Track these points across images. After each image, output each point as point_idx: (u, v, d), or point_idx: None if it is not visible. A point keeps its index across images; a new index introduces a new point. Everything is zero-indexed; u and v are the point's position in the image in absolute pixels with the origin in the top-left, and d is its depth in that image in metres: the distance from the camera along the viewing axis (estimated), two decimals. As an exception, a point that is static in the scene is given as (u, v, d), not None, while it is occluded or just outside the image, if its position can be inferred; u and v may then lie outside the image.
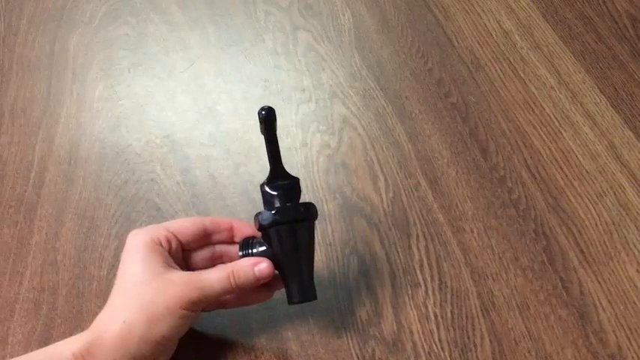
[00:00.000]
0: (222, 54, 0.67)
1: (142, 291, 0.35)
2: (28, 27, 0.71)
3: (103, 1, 0.73)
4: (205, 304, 0.37)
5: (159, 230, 0.39)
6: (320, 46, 0.67)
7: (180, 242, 0.40)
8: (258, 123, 0.40)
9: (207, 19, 0.70)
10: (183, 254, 0.41)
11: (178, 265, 0.39)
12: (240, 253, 0.40)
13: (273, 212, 0.39)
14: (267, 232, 0.40)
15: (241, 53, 0.66)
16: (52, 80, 0.65)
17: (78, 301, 0.49)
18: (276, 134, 0.41)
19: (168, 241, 0.39)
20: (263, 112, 0.39)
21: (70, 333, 0.47)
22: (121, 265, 0.38)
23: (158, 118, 0.61)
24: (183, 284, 0.35)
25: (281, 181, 0.41)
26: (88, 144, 0.59)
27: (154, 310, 0.34)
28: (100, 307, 0.49)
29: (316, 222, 0.50)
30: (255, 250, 0.40)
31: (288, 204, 0.40)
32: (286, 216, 0.39)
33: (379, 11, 0.70)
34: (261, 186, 0.41)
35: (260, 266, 0.38)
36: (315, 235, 0.41)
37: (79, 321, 0.48)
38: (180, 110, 0.62)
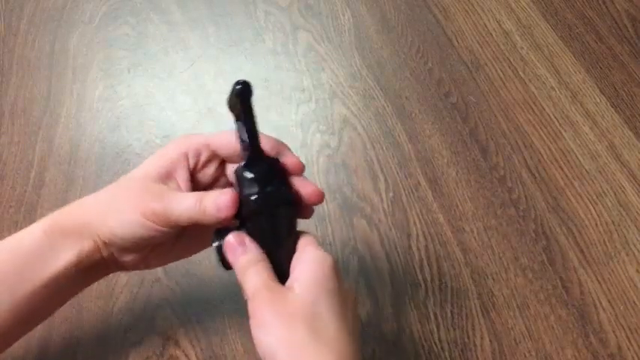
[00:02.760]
0: (222, 54, 0.67)
1: (120, 186, 0.35)
2: (28, 27, 0.71)
3: (103, 1, 0.73)
4: (171, 222, 0.34)
5: (191, 142, 0.36)
6: (320, 46, 0.67)
7: (216, 154, 0.37)
8: (229, 99, 0.35)
9: (207, 19, 0.70)
10: (221, 165, 0.38)
11: (205, 178, 0.37)
12: (215, 244, 0.35)
13: (252, 199, 0.33)
14: (245, 221, 0.35)
15: (241, 53, 0.66)
16: (52, 80, 0.65)
17: (78, 301, 0.49)
18: (252, 111, 0.35)
19: (197, 155, 0.36)
20: (239, 87, 0.33)
21: (71, 333, 0.47)
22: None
23: (158, 118, 0.61)
24: (152, 193, 0.34)
25: (259, 163, 0.35)
26: (88, 144, 0.59)
27: (116, 206, 0.34)
28: (100, 308, 0.49)
29: (316, 221, 0.51)
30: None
31: (267, 189, 0.34)
32: (266, 203, 0.34)
33: (379, 11, 0.70)
34: (236, 171, 0.35)
35: (220, 197, 0.33)
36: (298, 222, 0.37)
37: (79, 321, 0.48)
38: (180, 110, 0.62)
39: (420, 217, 0.53)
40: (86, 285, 0.37)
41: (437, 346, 0.45)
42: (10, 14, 0.72)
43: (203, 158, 0.37)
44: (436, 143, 0.58)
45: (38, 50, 0.68)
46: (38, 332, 0.47)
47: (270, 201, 0.34)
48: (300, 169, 0.35)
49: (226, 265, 0.34)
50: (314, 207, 0.37)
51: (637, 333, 0.46)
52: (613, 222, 0.52)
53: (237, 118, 0.36)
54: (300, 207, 0.35)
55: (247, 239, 0.33)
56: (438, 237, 0.51)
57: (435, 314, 0.47)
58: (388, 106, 0.61)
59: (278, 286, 0.32)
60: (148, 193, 0.34)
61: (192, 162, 0.36)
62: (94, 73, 0.66)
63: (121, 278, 0.50)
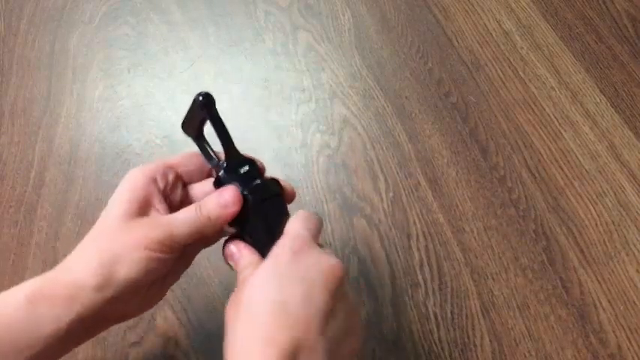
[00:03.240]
0: (222, 54, 0.67)
1: (107, 233, 0.33)
2: (28, 27, 0.71)
3: (103, 1, 0.73)
4: (176, 244, 0.33)
5: (156, 166, 0.36)
6: (320, 46, 0.67)
7: (179, 176, 0.37)
8: (185, 121, 0.37)
9: (207, 19, 0.70)
10: (184, 188, 0.38)
11: (176, 200, 0.37)
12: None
13: (245, 194, 0.35)
14: (243, 223, 0.36)
15: (241, 53, 0.66)
16: (52, 80, 0.65)
17: (78, 301, 0.49)
18: (220, 118, 0.36)
19: (165, 177, 0.36)
20: (201, 98, 0.34)
21: (70, 333, 0.47)
22: (110, 201, 0.35)
23: (158, 118, 0.61)
24: (147, 225, 0.33)
25: (239, 164, 0.36)
26: (88, 144, 0.59)
27: (113, 251, 0.32)
28: (100, 307, 0.49)
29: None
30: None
31: (256, 183, 0.36)
32: (260, 195, 0.35)
33: (379, 11, 0.70)
34: (219, 179, 0.36)
35: (223, 195, 0.34)
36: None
37: (79, 321, 0.48)
38: (180, 110, 0.62)
39: (420, 217, 0.53)
40: (83, 341, 0.35)
41: (437, 346, 0.45)
42: (10, 14, 0.72)
43: (170, 179, 0.36)
44: (436, 143, 0.58)
45: (38, 50, 0.68)
46: (38, 332, 0.47)
47: (263, 192, 0.35)
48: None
49: None
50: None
51: (637, 333, 0.46)
52: (613, 222, 0.52)
53: (197, 139, 0.37)
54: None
55: (242, 245, 0.35)
56: (438, 237, 0.51)
57: (435, 314, 0.47)
58: (388, 106, 0.61)
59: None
60: (140, 228, 0.33)
61: (161, 185, 0.35)
62: (94, 73, 0.66)
63: (121, 278, 0.50)
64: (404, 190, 0.55)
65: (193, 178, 0.38)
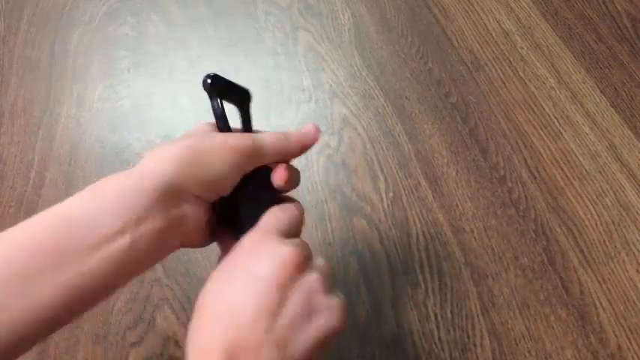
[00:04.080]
0: (222, 54, 0.67)
1: (195, 135, 0.34)
2: (28, 27, 0.71)
3: (103, 1, 0.73)
4: (257, 160, 0.34)
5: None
6: (320, 46, 0.67)
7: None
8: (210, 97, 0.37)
9: (207, 19, 0.70)
10: None
11: None
12: None
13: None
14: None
15: (241, 53, 0.66)
16: (52, 80, 0.65)
17: (78, 301, 0.49)
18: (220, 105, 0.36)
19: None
20: (209, 81, 0.35)
21: (70, 333, 0.47)
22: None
23: (158, 118, 0.61)
24: (237, 135, 0.34)
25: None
26: (88, 144, 0.59)
27: (202, 146, 0.32)
28: (100, 307, 0.49)
29: (316, 221, 0.51)
30: None
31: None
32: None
33: (379, 11, 0.70)
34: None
35: (306, 127, 0.37)
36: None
37: (78, 321, 0.48)
38: (180, 110, 0.62)
39: (420, 217, 0.53)
40: (148, 261, 0.32)
41: (437, 346, 0.45)
42: (10, 14, 0.72)
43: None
44: (436, 143, 0.58)
45: (38, 50, 0.68)
46: (38, 332, 0.47)
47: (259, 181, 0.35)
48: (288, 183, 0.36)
49: None
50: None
51: (637, 333, 0.46)
52: (613, 222, 0.52)
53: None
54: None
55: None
56: (438, 237, 0.51)
57: (435, 314, 0.47)
58: (388, 106, 0.61)
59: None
60: (232, 135, 0.34)
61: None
62: (94, 73, 0.66)
63: (121, 278, 0.50)
64: (404, 190, 0.55)
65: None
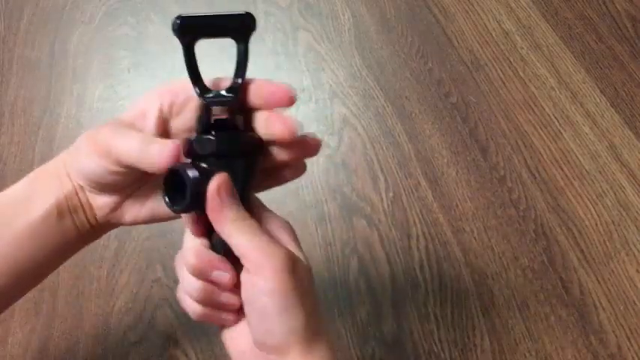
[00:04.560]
0: (222, 54, 0.67)
1: (93, 131, 0.34)
2: (28, 27, 0.71)
3: (103, 1, 0.73)
4: (114, 160, 0.31)
5: (172, 82, 0.35)
6: (320, 46, 0.67)
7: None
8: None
9: (207, 19, 0.70)
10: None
11: (182, 125, 0.33)
12: (191, 174, 0.28)
13: (212, 138, 0.30)
14: (202, 162, 0.30)
15: (241, 53, 0.66)
16: (52, 80, 0.65)
17: (78, 301, 0.49)
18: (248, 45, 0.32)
19: (173, 95, 0.34)
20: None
21: (70, 333, 0.47)
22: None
23: (158, 118, 0.61)
24: (109, 132, 0.32)
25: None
26: (88, 144, 0.59)
27: (85, 145, 0.34)
28: (100, 307, 0.49)
29: (316, 221, 0.50)
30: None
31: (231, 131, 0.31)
32: (231, 147, 0.30)
33: (379, 11, 0.70)
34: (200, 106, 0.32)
35: (167, 144, 0.30)
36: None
37: (78, 321, 0.48)
38: (180, 110, 0.62)
39: (420, 217, 0.53)
40: (78, 240, 0.35)
41: (437, 346, 0.45)
42: (10, 14, 0.72)
43: (179, 100, 0.33)
44: (436, 143, 0.58)
45: (38, 50, 0.68)
46: (38, 332, 0.47)
47: (228, 147, 0.30)
48: (286, 99, 0.32)
49: (196, 202, 0.28)
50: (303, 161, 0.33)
51: (637, 333, 0.46)
52: (613, 222, 0.52)
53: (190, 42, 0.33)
54: (263, 156, 0.32)
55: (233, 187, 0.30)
56: (438, 237, 0.51)
57: (435, 314, 0.47)
58: (388, 106, 0.61)
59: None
60: (107, 131, 0.32)
61: (166, 102, 0.33)
62: (94, 73, 0.66)
63: (121, 278, 0.50)
64: (404, 190, 0.55)
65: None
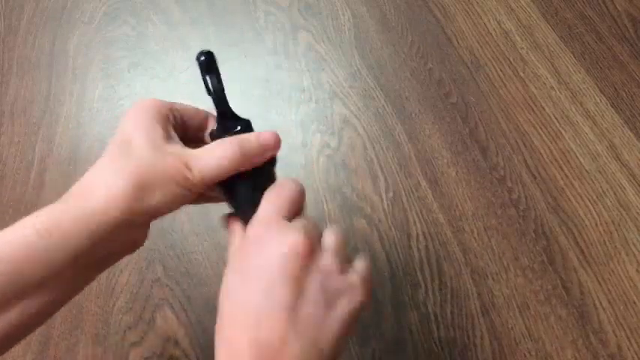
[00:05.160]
0: (222, 54, 0.67)
1: (135, 157, 0.30)
2: (28, 27, 0.71)
3: (103, 1, 0.73)
4: (206, 181, 0.31)
5: (165, 102, 0.34)
6: (320, 46, 0.67)
7: (183, 121, 0.35)
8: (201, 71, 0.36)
9: (207, 19, 0.70)
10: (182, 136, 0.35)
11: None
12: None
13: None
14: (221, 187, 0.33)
15: (241, 53, 0.66)
16: (52, 80, 0.65)
17: (78, 301, 0.49)
18: (219, 75, 0.36)
19: (174, 116, 0.34)
20: (202, 58, 0.35)
21: (70, 333, 0.47)
22: (119, 130, 0.32)
23: (158, 118, 0.61)
24: (183, 154, 0.30)
25: (232, 124, 0.35)
26: (88, 144, 0.59)
27: (146, 179, 0.29)
28: (100, 307, 0.49)
29: (315, 221, 0.50)
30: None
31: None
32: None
33: (379, 11, 0.70)
34: (211, 135, 0.35)
35: (264, 134, 0.32)
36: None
37: (78, 321, 0.48)
38: (180, 110, 0.62)
39: (420, 217, 0.53)
40: (87, 281, 0.32)
41: (437, 346, 0.45)
42: (10, 14, 0.72)
43: (174, 120, 0.34)
44: (436, 143, 0.58)
45: (38, 50, 0.68)
46: (38, 332, 0.47)
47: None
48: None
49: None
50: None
51: (637, 333, 0.46)
52: (613, 222, 0.52)
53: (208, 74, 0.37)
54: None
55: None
56: (438, 237, 0.51)
57: (435, 314, 0.47)
58: (388, 106, 0.61)
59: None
60: (174, 159, 0.30)
61: (171, 120, 0.34)
62: (94, 73, 0.66)
63: (121, 278, 0.50)
64: (404, 190, 0.55)
65: (190, 129, 0.36)
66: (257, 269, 0.28)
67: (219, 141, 0.32)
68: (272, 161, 0.34)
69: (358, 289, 0.29)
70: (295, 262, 0.28)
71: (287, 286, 0.27)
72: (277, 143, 0.33)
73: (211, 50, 0.35)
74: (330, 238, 0.31)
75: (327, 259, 0.29)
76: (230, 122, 0.35)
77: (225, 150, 0.31)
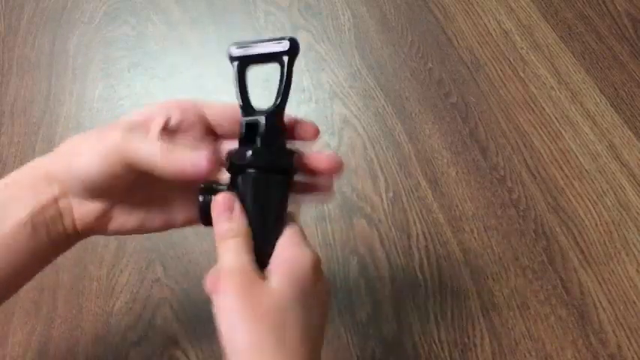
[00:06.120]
0: (222, 54, 0.66)
1: (87, 134, 0.32)
2: (28, 27, 0.71)
3: (103, 1, 0.73)
4: (131, 167, 0.30)
5: (184, 99, 0.35)
6: (320, 46, 0.67)
7: (207, 123, 0.35)
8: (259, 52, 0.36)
9: (207, 19, 0.70)
10: (209, 138, 0.35)
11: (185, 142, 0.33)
12: (200, 199, 0.31)
13: (251, 152, 0.31)
14: (238, 175, 0.31)
15: (241, 53, 0.66)
16: (52, 80, 0.65)
17: (78, 301, 0.49)
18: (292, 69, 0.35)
19: (182, 112, 0.34)
20: (290, 42, 0.34)
21: (70, 333, 0.47)
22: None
23: (158, 118, 0.61)
24: (118, 132, 0.30)
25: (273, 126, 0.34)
26: (88, 144, 0.59)
27: (83, 146, 0.31)
28: (100, 307, 0.49)
29: (316, 221, 0.51)
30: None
31: (270, 146, 0.33)
32: (268, 160, 0.31)
33: (379, 11, 0.70)
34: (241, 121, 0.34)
35: (199, 153, 0.29)
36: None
37: (78, 321, 0.48)
38: (180, 110, 0.62)
39: (420, 217, 0.53)
40: (51, 252, 0.33)
41: (437, 346, 0.45)
42: (10, 14, 0.72)
43: (189, 119, 0.34)
44: (436, 143, 0.58)
45: (38, 50, 0.68)
46: (38, 332, 0.47)
47: (266, 159, 0.32)
48: (314, 134, 0.35)
49: (207, 222, 0.31)
50: (330, 185, 0.35)
51: (637, 333, 0.46)
52: (613, 222, 0.52)
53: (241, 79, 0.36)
54: (298, 182, 0.33)
55: (237, 205, 0.30)
56: (438, 237, 0.51)
57: (435, 314, 0.47)
58: (388, 106, 0.61)
59: (254, 273, 0.29)
60: (119, 134, 0.30)
61: (175, 116, 0.33)
62: (94, 73, 0.66)
63: (121, 278, 0.50)
64: (404, 190, 0.55)
65: (227, 134, 0.35)
66: (313, 303, 0.30)
67: (155, 142, 0.31)
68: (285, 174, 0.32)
69: (328, 302, 0.33)
70: (324, 307, 0.32)
71: (313, 323, 0.30)
72: (208, 168, 0.29)
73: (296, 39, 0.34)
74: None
75: (325, 285, 0.33)
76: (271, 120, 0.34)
77: (157, 145, 0.30)
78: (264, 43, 0.35)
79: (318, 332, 0.30)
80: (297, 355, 0.28)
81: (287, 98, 0.35)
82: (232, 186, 0.31)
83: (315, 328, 0.30)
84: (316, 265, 0.31)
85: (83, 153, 0.31)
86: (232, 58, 0.36)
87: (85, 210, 0.32)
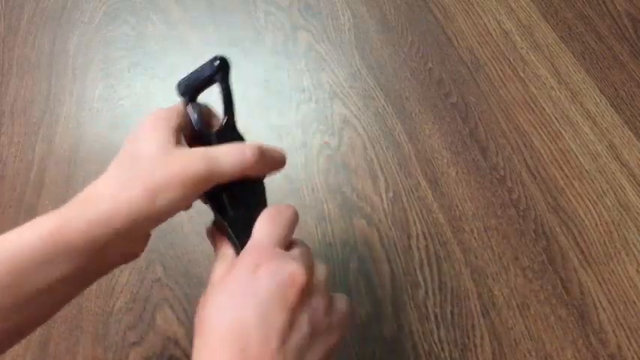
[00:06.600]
0: (222, 54, 0.67)
1: (146, 163, 0.31)
2: (28, 27, 0.71)
3: (103, 1, 0.73)
4: (213, 182, 0.31)
5: (170, 110, 0.36)
6: (320, 46, 0.67)
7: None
8: (193, 74, 0.37)
9: (207, 19, 0.70)
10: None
11: None
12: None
13: None
14: (213, 200, 0.34)
15: (241, 53, 0.66)
16: (52, 80, 0.65)
17: (78, 301, 0.49)
18: (229, 84, 0.36)
19: (180, 121, 0.35)
20: (218, 62, 0.35)
21: (70, 333, 0.47)
22: (126, 143, 0.34)
23: (158, 118, 0.61)
24: (188, 155, 0.31)
25: (233, 134, 0.36)
26: (88, 144, 0.59)
27: (158, 181, 0.30)
28: (100, 307, 0.49)
29: (316, 222, 0.51)
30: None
31: None
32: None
33: (379, 11, 0.70)
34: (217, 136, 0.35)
35: (280, 149, 0.34)
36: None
37: (78, 321, 0.48)
38: (180, 110, 0.62)
39: (420, 217, 0.53)
40: (88, 285, 0.34)
41: (437, 346, 0.45)
42: (10, 14, 0.72)
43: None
44: (436, 143, 0.58)
45: (38, 50, 0.68)
46: (38, 332, 0.47)
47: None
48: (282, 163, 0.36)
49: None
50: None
51: (637, 333, 0.46)
52: (613, 222, 0.52)
53: (191, 100, 0.37)
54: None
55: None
56: (438, 237, 0.51)
57: (435, 314, 0.47)
58: (388, 106, 0.61)
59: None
60: (180, 160, 0.30)
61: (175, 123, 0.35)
62: (94, 73, 0.66)
63: (121, 278, 0.50)
64: (404, 190, 0.55)
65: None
66: (252, 295, 0.28)
67: (238, 143, 0.33)
68: (262, 181, 0.35)
69: (336, 332, 0.30)
70: (294, 293, 0.28)
71: (283, 314, 0.28)
72: (285, 160, 0.35)
73: (225, 56, 0.35)
74: (321, 273, 0.32)
75: (318, 297, 0.30)
76: (231, 131, 0.36)
77: (243, 151, 0.32)
78: (200, 70, 0.37)
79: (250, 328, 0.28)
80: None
81: (233, 112, 0.36)
82: (214, 210, 0.34)
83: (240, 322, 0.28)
84: (256, 250, 0.31)
85: (163, 189, 0.30)
86: (180, 94, 0.38)
87: (134, 248, 0.34)
